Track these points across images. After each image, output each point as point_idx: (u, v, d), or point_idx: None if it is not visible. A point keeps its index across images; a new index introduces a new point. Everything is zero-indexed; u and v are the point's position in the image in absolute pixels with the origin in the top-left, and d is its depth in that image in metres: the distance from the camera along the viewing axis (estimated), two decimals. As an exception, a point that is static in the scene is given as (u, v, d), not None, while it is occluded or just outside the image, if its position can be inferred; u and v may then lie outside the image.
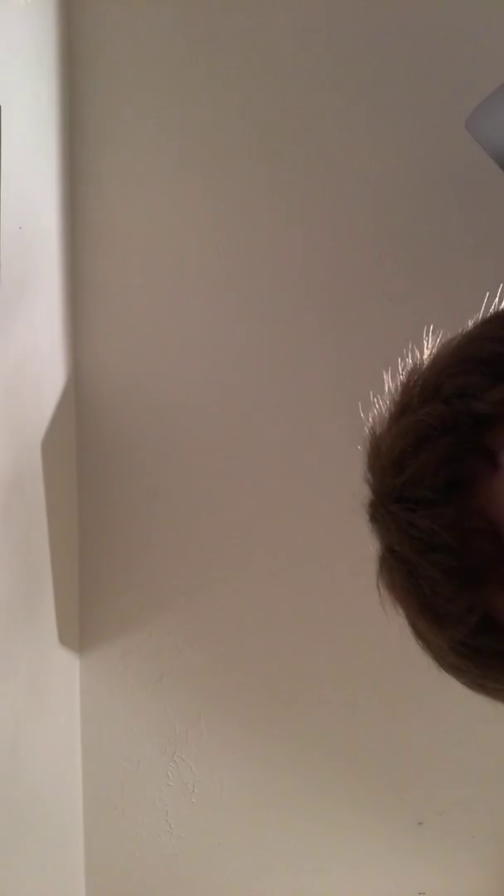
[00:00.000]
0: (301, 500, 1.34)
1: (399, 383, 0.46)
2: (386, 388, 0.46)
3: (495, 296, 0.47)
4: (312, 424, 1.33)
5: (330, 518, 1.27)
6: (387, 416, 0.46)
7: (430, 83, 1.29)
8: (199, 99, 1.33)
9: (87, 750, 1.42)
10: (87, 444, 1.38)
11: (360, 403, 0.47)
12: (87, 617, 1.40)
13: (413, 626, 0.47)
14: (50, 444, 1.25)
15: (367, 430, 0.47)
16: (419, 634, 0.47)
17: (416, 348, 0.46)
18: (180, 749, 1.41)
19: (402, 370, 0.46)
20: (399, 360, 0.46)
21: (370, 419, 0.46)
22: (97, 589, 1.39)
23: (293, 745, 1.39)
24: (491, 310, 0.46)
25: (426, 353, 0.46)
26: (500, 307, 0.46)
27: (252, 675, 1.39)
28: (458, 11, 1.28)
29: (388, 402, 0.46)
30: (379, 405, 0.46)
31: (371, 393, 0.47)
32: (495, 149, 1.04)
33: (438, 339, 0.45)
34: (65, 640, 1.32)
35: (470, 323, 0.45)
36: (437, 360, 0.45)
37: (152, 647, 1.39)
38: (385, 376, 0.47)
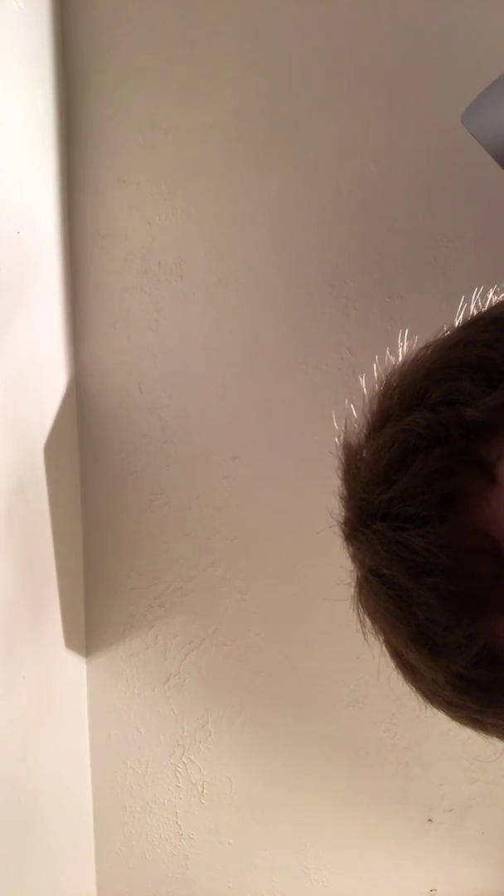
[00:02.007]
0: (305, 499, 1.34)
1: (375, 391, 0.42)
2: (362, 396, 0.42)
3: (487, 293, 0.44)
4: (315, 423, 1.33)
5: (335, 516, 1.27)
6: (364, 426, 0.42)
7: (426, 79, 1.29)
8: (195, 100, 1.33)
9: (95, 753, 1.42)
10: (89, 447, 1.38)
11: (352, 406, 0.45)
12: (92, 620, 1.40)
13: (399, 656, 0.43)
14: (52, 447, 1.25)
15: (339, 442, 0.43)
16: (407, 666, 0.43)
17: (390, 354, 0.43)
18: (189, 750, 1.41)
19: (377, 378, 0.42)
20: (403, 345, 0.43)
21: (343, 430, 0.43)
22: (102, 592, 1.39)
23: (301, 743, 1.39)
24: (468, 314, 0.43)
25: (401, 359, 0.42)
26: (479, 311, 0.43)
27: (259, 674, 1.39)
28: (455, 5, 1.28)
29: (363, 412, 0.42)
30: (352, 415, 0.43)
31: (377, 377, 0.43)
32: (491, 143, 1.04)
33: (414, 345, 0.42)
34: (71, 643, 1.32)
35: (446, 328, 0.42)
36: (416, 365, 0.41)
37: (158, 649, 1.39)
38: (361, 381, 0.44)
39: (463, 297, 0.43)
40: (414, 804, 1.39)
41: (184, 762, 1.41)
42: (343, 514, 0.44)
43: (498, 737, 0.43)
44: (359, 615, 0.44)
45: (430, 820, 1.39)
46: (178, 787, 1.42)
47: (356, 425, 0.43)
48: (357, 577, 0.44)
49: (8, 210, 1.12)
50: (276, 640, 1.38)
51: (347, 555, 0.45)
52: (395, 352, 0.43)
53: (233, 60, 1.32)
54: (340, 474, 0.44)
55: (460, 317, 0.42)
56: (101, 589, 1.39)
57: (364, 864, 1.41)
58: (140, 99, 1.34)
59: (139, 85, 1.34)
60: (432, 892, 1.41)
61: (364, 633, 0.43)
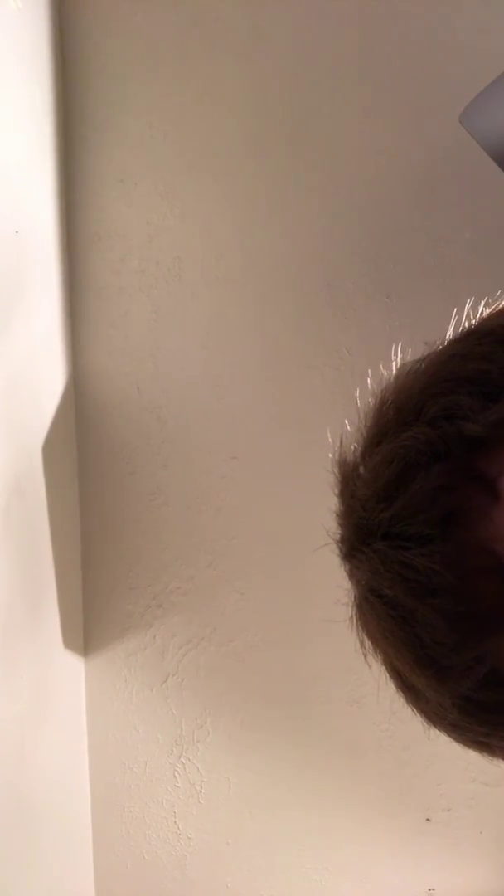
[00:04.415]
0: (302, 499, 1.34)
1: (370, 406, 0.41)
2: (358, 410, 0.41)
3: (479, 305, 0.43)
4: (312, 423, 1.33)
5: (332, 517, 1.27)
6: (359, 442, 0.41)
7: (424, 79, 1.29)
8: (194, 100, 1.33)
9: (93, 753, 1.42)
10: (87, 446, 1.38)
11: (357, 402, 0.44)
12: (90, 620, 1.40)
13: (401, 678, 0.41)
14: (50, 447, 1.25)
15: (334, 459, 0.42)
16: (410, 689, 0.41)
17: (384, 368, 0.42)
18: (187, 750, 1.41)
19: (371, 392, 0.41)
20: (397, 358, 0.42)
21: (337, 446, 0.41)
22: (100, 592, 1.39)
23: (300, 743, 1.39)
24: (461, 327, 0.42)
25: (395, 373, 0.41)
26: (472, 323, 0.42)
27: (257, 674, 1.39)
28: (454, 5, 1.28)
29: (358, 428, 0.41)
30: (346, 430, 0.41)
31: (370, 392, 0.42)
32: (490, 144, 1.04)
33: (408, 358, 0.41)
34: (69, 643, 1.32)
35: (438, 341, 0.41)
36: (412, 380, 0.40)
37: (157, 649, 1.39)
38: (356, 393, 0.42)
39: (455, 306, 0.42)
40: (412, 804, 1.39)
41: (182, 762, 1.41)
42: (340, 532, 0.43)
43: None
44: (358, 636, 0.43)
45: (428, 819, 1.39)
46: (177, 786, 1.42)
47: (351, 441, 0.42)
48: (356, 596, 0.43)
49: (6, 210, 1.11)
50: (274, 639, 1.38)
51: (345, 573, 0.43)
52: (392, 356, 0.43)
53: (231, 60, 1.32)
54: (336, 492, 0.42)
55: (453, 328, 0.42)
56: (100, 588, 1.39)
57: (362, 863, 1.41)
58: (138, 99, 1.34)
59: (137, 85, 1.34)
60: (430, 891, 1.41)
61: (364, 655, 0.42)
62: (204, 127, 1.33)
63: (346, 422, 0.42)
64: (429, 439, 0.38)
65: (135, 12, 1.32)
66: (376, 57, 1.29)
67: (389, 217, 1.31)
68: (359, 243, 1.32)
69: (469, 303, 0.42)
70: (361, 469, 0.41)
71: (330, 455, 0.43)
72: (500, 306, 0.42)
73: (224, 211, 1.34)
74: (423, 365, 0.40)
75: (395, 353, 0.42)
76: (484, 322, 0.42)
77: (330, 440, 0.44)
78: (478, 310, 0.42)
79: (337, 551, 0.43)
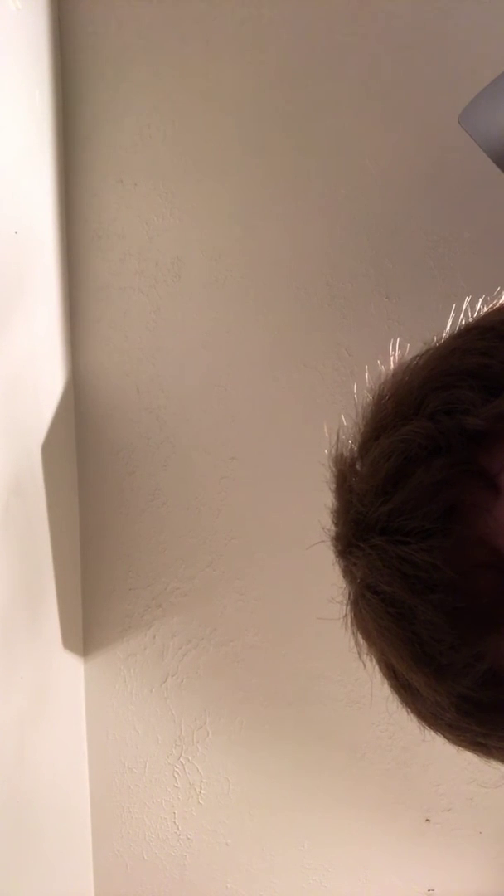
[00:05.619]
0: (302, 499, 1.34)
1: (368, 400, 0.40)
2: (354, 406, 0.41)
3: (476, 303, 0.43)
4: (312, 423, 1.33)
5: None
6: (357, 437, 0.40)
7: (424, 79, 1.29)
8: (193, 100, 1.33)
9: (93, 753, 1.42)
10: (87, 447, 1.38)
11: (356, 398, 0.43)
12: (90, 620, 1.40)
13: (397, 677, 0.41)
14: (50, 448, 1.25)
15: (330, 454, 0.41)
16: (406, 688, 0.40)
17: (381, 364, 0.41)
18: (186, 750, 1.41)
19: (369, 387, 0.40)
20: (395, 354, 0.41)
21: (334, 441, 0.41)
22: (100, 592, 1.39)
23: (299, 743, 1.39)
24: (459, 324, 0.41)
25: (392, 368, 0.40)
26: (472, 319, 0.41)
27: (257, 674, 1.39)
28: (454, 6, 1.28)
29: (356, 422, 0.40)
30: (343, 426, 0.41)
31: (367, 387, 0.42)
32: (489, 144, 1.04)
33: (406, 354, 0.41)
34: (68, 644, 1.32)
35: (436, 337, 0.41)
36: (411, 374, 0.39)
37: (156, 650, 1.39)
38: (353, 389, 0.42)
39: (454, 305, 0.42)
40: (412, 804, 1.39)
41: (182, 763, 1.41)
42: (336, 528, 0.42)
43: (500, 760, 0.41)
44: (353, 634, 0.42)
45: (427, 820, 1.39)
46: (176, 787, 1.42)
47: (347, 436, 0.41)
48: (351, 594, 0.42)
49: (6, 211, 1.11)
50: (273, 640, 1.38)
51: (340, 571, 0.42)
52: (390, 356, 0.42)
53: (231, 61, 1.32)
54: (333, 487, 0.41)
55: (451, 324, 0.41)
56: (99, 589, 1.39)
57: (362, 864, 1.41)
58: (138, 99, 1.34)
59: (137, 85, 1.34)
60: (430, 891, 1.41)
61: (358, 653, 0.41)
62: (204, 127, 1.33)
63: (343, 417, 0.41)
64: (429, 433, 0.37)
65: (134, 12, 1.32)
66: (376, 57, 1.29)
67: (389, 217, 1.31)
68: (359, 243, 1.32)
69: (467, 300, 0.42)
70: (359, 464, 0.40)
71: (327, 452, 0.42)
72: (500, 303, 0.42)
73: (223, 211, 1.34)
74: (422, 360, 0.40)
75: (394, 349, 0.41)
76: (484, 318, 0.41)
77: (327, 437, 0.44)
78: (476, 307, 0.42)
79: (332, 548, 0.42)
